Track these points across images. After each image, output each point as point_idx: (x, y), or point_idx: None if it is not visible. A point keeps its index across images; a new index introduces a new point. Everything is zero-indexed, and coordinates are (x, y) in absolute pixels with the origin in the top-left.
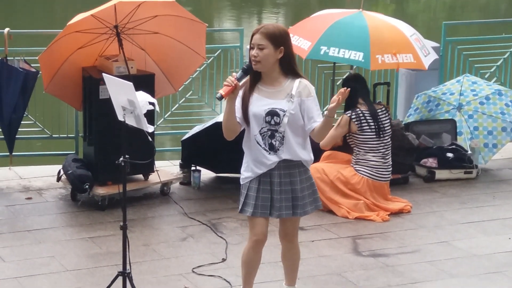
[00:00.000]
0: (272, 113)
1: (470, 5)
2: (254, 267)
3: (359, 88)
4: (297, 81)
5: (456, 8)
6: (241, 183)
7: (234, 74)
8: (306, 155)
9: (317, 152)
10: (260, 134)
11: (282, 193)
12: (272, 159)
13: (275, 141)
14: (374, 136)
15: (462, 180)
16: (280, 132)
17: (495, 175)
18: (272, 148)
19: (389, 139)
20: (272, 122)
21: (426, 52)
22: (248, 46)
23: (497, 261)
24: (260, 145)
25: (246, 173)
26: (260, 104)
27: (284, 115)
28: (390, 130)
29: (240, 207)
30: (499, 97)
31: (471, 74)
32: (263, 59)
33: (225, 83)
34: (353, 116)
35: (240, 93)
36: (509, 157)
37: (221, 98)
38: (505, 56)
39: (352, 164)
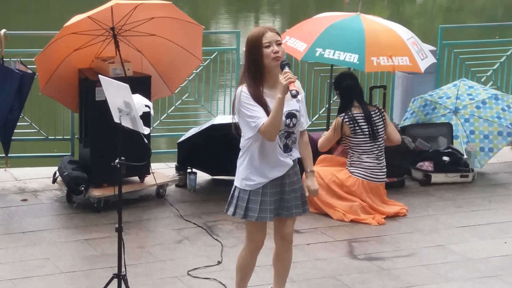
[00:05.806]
0: (291, 115)
1: (467, 8)
2: (250, 272)
3: (353, 85)
4: None
5: (453, 12)
6: (249, 189)
7: (286, 70)
8: None
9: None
10: (279, 137)
11: (292, 193)
12: (289, 160)
13: (290, 141)
14: (368, 139)
15: (458, 183)
16: (295, 133)
17: (491, 179)
18: (287, 149)
19: (382, 141)
20: (291, 125)
21: (423, 55)
22: (260, 45)
23: (493, 265)
24: (281, 149)
25: (258, 178)
26: None
27: (299, 115)
28: (383, 133)
29: (257, 214)
30: (496, 101)
31: (468, 78)
32: (283, 55)
33: (290, 79)
34: (346, 119)
35: (252, 101)
36: (505, 161)
37: (297, 93)
38: (502, 60)
39: (347, 167)
